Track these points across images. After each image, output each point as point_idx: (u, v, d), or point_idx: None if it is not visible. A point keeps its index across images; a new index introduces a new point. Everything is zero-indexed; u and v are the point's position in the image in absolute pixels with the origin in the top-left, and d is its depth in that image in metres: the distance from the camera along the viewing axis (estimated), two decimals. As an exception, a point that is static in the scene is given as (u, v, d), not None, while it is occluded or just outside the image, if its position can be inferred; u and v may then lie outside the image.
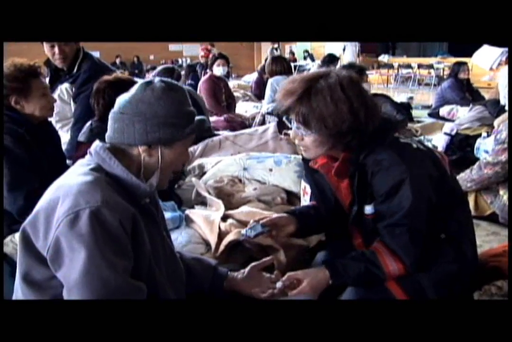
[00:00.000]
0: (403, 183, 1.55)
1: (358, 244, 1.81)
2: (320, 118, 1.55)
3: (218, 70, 5.85)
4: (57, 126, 3.49)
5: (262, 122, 5.08)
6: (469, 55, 12.64)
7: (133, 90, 1.43)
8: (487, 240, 2.69)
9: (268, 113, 5.04)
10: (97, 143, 1.45)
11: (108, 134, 1.45)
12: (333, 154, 1.71)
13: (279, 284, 1.65)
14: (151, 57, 19.20)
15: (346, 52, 13.90)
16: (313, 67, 13.99)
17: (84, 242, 1.22)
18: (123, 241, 1.28)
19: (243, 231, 1.83)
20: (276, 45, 16.99)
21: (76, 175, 1.37)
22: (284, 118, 1.71)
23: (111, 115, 1.44)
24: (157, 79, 1.46)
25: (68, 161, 2.72)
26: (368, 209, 1.67)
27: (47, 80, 2.95)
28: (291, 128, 1.69)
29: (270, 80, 5.63)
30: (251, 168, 3.09)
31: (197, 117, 1.47)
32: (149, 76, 4.60)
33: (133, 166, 1.44)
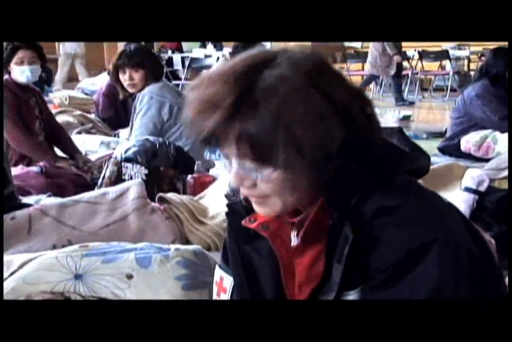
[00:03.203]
0: (428, 250, 0.94)
1: None
2: (290, 139, 0.91)
3: (21, 70, 3.04)
4: None
5: (117, 176, 2.93)
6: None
7: None
8: None
9: (127, 159, 2.89)
10: None
11: None
12: (300, 201, 1.04)
13: None
14: None
15: None
16: (220, 59, 8.74)
17: None
18: None
19: None
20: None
21: None
22: (207, 153, 1.05)
23: None
24: None
25: None
26: (350, 299, 1.02)
27: None
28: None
29: (143, 92, 3.28)
30: (90, 276, 1.76)
31: None
32: None
33: None
